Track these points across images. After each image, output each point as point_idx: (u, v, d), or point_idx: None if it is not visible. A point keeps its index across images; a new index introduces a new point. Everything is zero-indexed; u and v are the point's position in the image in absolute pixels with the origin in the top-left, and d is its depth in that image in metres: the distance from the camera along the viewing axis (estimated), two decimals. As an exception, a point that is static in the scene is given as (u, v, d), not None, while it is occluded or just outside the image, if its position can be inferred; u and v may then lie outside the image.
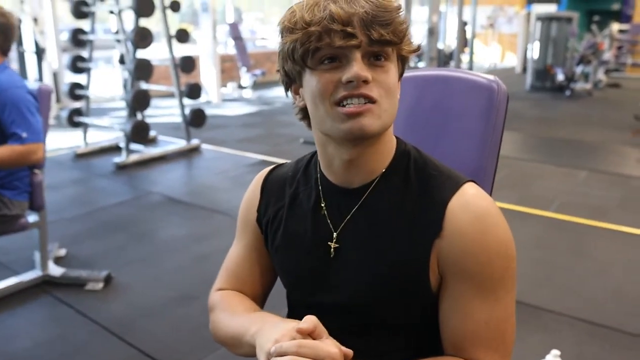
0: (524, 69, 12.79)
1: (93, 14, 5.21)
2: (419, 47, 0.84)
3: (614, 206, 4.03)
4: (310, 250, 0.89)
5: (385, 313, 0.85)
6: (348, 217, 0.86)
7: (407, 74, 0.99)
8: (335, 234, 0.87)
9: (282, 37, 0.81)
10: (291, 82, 0.85)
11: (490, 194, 1.11)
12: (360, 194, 0.86)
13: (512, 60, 15.14)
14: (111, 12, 5.49)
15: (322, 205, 0.89)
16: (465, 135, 1.12)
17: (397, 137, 0.90)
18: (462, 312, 0.80)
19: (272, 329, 0.77)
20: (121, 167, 4.83)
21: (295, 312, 0.96)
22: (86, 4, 5.18)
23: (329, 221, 0.88)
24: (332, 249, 0.87)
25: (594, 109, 8.56)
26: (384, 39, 0.75)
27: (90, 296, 2.64)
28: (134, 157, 4.96)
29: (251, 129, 6.68)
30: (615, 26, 12.44)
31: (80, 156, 5.26)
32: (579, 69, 9.79)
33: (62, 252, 3.07)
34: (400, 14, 0.78)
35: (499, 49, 15.71)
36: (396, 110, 0.81)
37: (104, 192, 4.35)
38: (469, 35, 9.56)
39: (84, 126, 5.36)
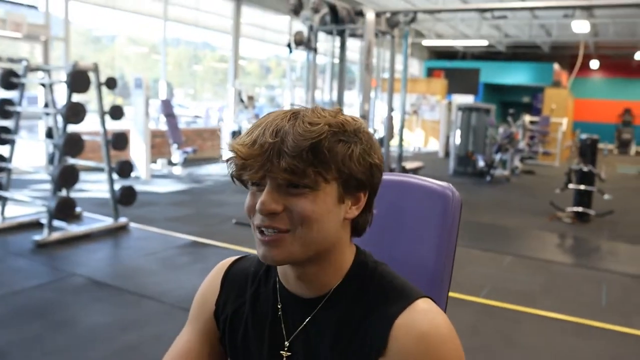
0: (447, 154, 13.48)
1: (22, 85, 5.06)
2: (367, 168, 0.82)
3: (539, 291, 4.19)
4: (266, 355, 0.89)
5: None
6: (300, 327, 0.86)
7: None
8: (287, 343, 0.87)
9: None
10: None
11: (446, 298, 1.14)
12: (312, 306, 0.85)
13: (434, 145, 15.94)
14: (42, 84, 5.35)
15: (279, 311, 0.89)
16: (422, 239, 1.15)
17: (358, 248, 0.90)
18: None
19: None
20: (41, 246, 4.54)
21: None
22: (16, 75, 5.03)
23: (283, 328, 0.88)
24: (284, 359, 0.87)
25: (513, 194, 9.07)
26: (284, 171, 0.75)
27: (2, 395, 2.39)
28: (56, 235, 4.69)
29: (181, 208, 6.54)
30: (527, 118, 13.47)
31: (-5, 233, 4.92)
32: (497, 157, 10.42)
33: (-29, 343, 2.80)
34: (321, 138, 0.76)
35: (423, 134, 16.54)
36: (327, 234, 0.80)
37: (20, 273, 4.04)
38: (396, 121, 10.02)
39: (3, 200, 5.06)
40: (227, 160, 0.80)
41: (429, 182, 1.19)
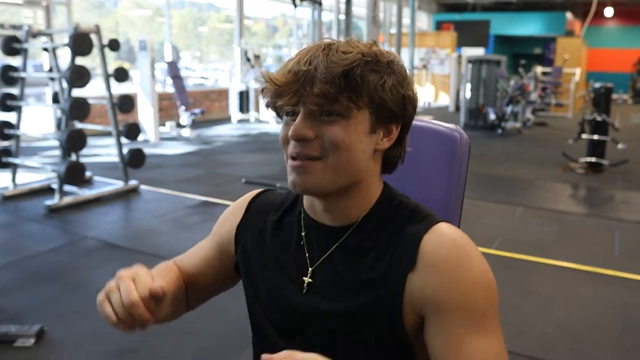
0: (457, 108, 13.31)
1: (25, 51, 5.01)
2: (392, 97, 0.81)
3: (551, 242, 4.17)
4: (284, 282, 0.89)
5: (355, 352, 0.82)
6: (326, 254, 0.86)
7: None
8: (310, 270, 0.87)
9: None
10: None
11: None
12: (339, 234, 0.86)
13: (445, 100, 15.74)
14: (45, 49, 5.30)
15: (303, 239, 0.89)
16: (430, 183, 1.12)
17: (385, 183, 0.90)
18: (455, 347, 0.75)
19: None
20: (53, 210, 4.58)
21: (261, 332, 0.94)
22: (18, 41, 4.98)
23: (306, 256, 0.88)
24: (305, 284, 0.87)
25: (525, 146, 8.97)
26: (316, 98, 0.76)
27: (21, 353, 2.43)
28: (67, 200, 4.72)
29: (191, 169, 6.54)
30: (539, 69, 13.21)
31: (8, 199, 4.96)
32: (508, 109, 10.27)
33: (-12, 305, 2.84)
34: (354, 65, 0.76)
35: (433, 89, 16.30)
36: (358, 164, 0.81)
37: (35, 237, 4.09)
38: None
39: (13, 167, 5.08)
40: (262, 90, 0.81)
41: (437, 124, 1.15)
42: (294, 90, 0.77)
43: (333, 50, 0.77)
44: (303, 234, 0.89)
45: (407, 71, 0.84)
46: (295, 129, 0.77)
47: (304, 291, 0.86)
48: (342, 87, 0.75)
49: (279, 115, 0.83)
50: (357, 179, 0.82)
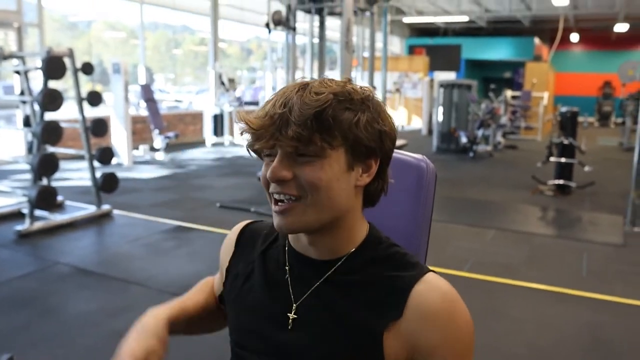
0: (430, 131, 13.52)
1: (-3, 75, 4.97)
2: (370, 136, 0.82)
3: (522, 263, 4.26)
4: (268, 317, 0.89)
5: None
6: (310, 290, 0.87)
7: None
8: (294, 305, 0.88)
9: None
10: None
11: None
12: (324, 268, 0.87)
13: (418, 123, 15.98)
14: (17, 72, 5.26)
15: (286, 272, 0.90)
16: (398, 212, 1.14)
17: (371, 224, 0.93)
18: None
19: (128, 340, 0.92)
20: (24, 236, 4.50)
21: None
22: (-11, 64, 4.94)
23: (290, 290, 0.89)
24: (290, 321, 0.87)
25: (496, 169, 9.15)
26: (291, 140, 0.77)
27: (-11, 385, 2.38)
28: (38, 225, 4.65)
29: (165, 193, 6.50)
30: (508, 93, 13.54)
31: (-24, 224, 4.87)
32: (480, 132, 10.48)
33: (-44, 334, 2.78)
34: (325, 106, 0.77)
35: (406, 112, 16.55)
36: (338, 200, 0.82)
37: (4, 263, 4.01)
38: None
39: (-18, 192, 5.00)
40: (241, 133, 0.83)
41: (403, 154, 1.18)
42: (270, 134, 0.79)
43: (307, 91, 0.79)
44: (287, 267, 0.90)
45: (384, 106, 0.86)
46: (272, 170, 0.80)
47: (289, 327, 0.87)
48: (314, 128, 0.77)
49: (259, 156, 0.85)
50: (340, 214, 0.84)
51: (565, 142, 6.93)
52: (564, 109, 7.09)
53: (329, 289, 0.86)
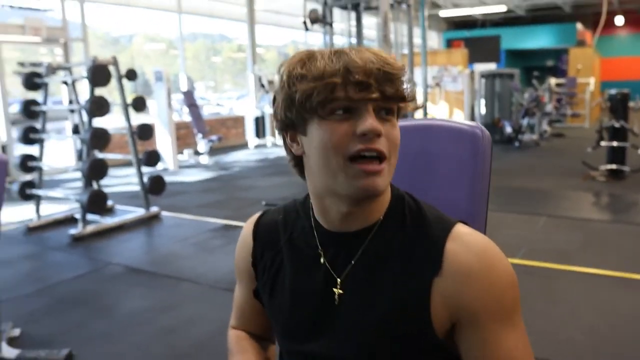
0: (472, 124, 13.26)
1: (46, 85, 5.13)
2: (419, 104, 0.86)
3: (576, 249, 4.11)
4: (312, 299, 0.87)
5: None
6: (352, 262, 0.85)
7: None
8: (339, 280, 0.86)
9: (289, 84, 0.79)
10: (289, 128, 0.84)
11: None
12: (360, 240, 0.85)
13: (459, 117, 15.71)
14: (64, 82, 5.43)
15: (320, 252, 0.88)
16: (454, 183, 1.09)
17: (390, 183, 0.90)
18: (493, 348, 0.79)
19: None
20: (77, 239, 4.63)
21: (290, 349, 0.93)
22: (39, 76, 5.11)
23: (329, 268, 0.87)
24: (336, 296, 0.85)
25: (543, 157, 8.90)
26: (398, 95, 0.77)
27: (51, 378, 2.45)
28: (90, 228, 4.78)
29: (211, 195, 6.59)
30: (553, 80, 13.15)
31: (32, 230, 5.03)
32: (524, 122, 10.22)
33: (16, 332, 2.86)
34: (405, 72, 0.80)
35: (447, 106, 16.30)
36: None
37: (60, 266, 4.13)
38: (419, 95, 9.91)
39: (37, 198, 5.17)
40: (306, 85, 0.76)
41: (457, 122, 1.14)
42: (373, 86, 0.75)
43: (368, 51, 0.78)
44: (320, 247, 0.88)
45: None
46: (373, 123, 0.75)
47: (336, 303, 0.85)
48: (405, 90, 0.79)
49: (312, 112, 0.77)
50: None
51: (617, 125, 6.67)
52: (613, 91, 6.83)
53: (367, 261, 0.84)
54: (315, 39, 12.37)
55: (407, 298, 0.80)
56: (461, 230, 0.82)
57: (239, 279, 1.02)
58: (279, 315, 0.92)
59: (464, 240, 0.80)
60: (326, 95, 0.75)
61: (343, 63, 0.75)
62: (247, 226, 1.00)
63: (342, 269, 0.86)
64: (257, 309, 1.01)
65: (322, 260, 0.87)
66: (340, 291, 0.85)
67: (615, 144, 6.69)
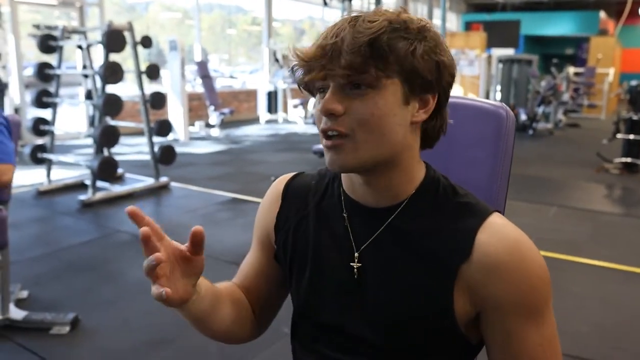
0: (487, 110, 13.12)
1: (60, 49, 5.11)
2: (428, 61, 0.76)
3: (586, 241, 4.07)
4: (333, 269, 0.86)
5: (407, 341, 0.80)
6: (372, 237, 0.83)
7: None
8: (356, 254, 0.84)
9: None
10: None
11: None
12: (385, 215, 0.83)
13: (474, 101, 15.54)
14: (79, 46, 5.40)
15: (346, 222, 0.86)
16: (476, 162, 1.08)
17: (426, 164, 0.87)
18: (516, 341, 0.77)
19: None
20: (87, 205, 4.65)
21: (301, 333, 0.92)
22: (54, 39, 5.08)
23: (351, 238, 0.85)
24: (355, 270, 0.84)
25: (557, 147, 8.80)
26: (347, 65, 0.72)
27: (56, 341, 2.46)
28: (100, 195, 4.79)
29: (220, 167, 6.58)
30: (571, 69, 12.95)
31: (43, 194, 5.05)
32: (540, 110, 10.09)
33: (24, 294, 2.89)
34: (380, 33, 0.73)
35: (462, 90, 16.13)
36: (393, 138, 0.77)
37: (69, 230, 4.16)
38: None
39: (48, 163, 5.18)
40: (292, 69, 0.79)
41: (481, 101, 1.12)
42: (322, 65, 0.74)
43: (360, 20, 0.74)
44: (345, 216, 0.86)
45: (441, 37, 0.79)
46: (324, 103, 0.75)
47: (355, 276, 0.84)
48: (368, 56, 0.72)
49: (312, 94, 0.81)
50: (395, 152, 0.79)
51: (635, 117, 6.56)
52: (634, 83, 6.70)
53: (391, 236, 0.82)
54: (331, 15, 12.22)
55: (429, 282, 0.78)
56: (495, 220, 0.79)
57: (254, 240, 0.99)
58: (298, 283, 0.91)
59: (497, 231, 0.77)
60: (299, 79, 0.79)
61: (302, 48, 0.77)
62: (277, 185, 0.97)
63: (362, 243, 0.84)
64: (259, 280, 0.98)
65: (346, 229, 0.86)
66: (359, 264, 0.83)
67: (632, 137, 6.58)
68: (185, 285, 0.79)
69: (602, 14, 17.54)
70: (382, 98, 0.74)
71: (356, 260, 0.84)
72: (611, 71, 13.65)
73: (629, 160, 6.59)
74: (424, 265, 0.79)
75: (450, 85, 0.81)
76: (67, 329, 2.53)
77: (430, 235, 0.80)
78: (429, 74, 0.76)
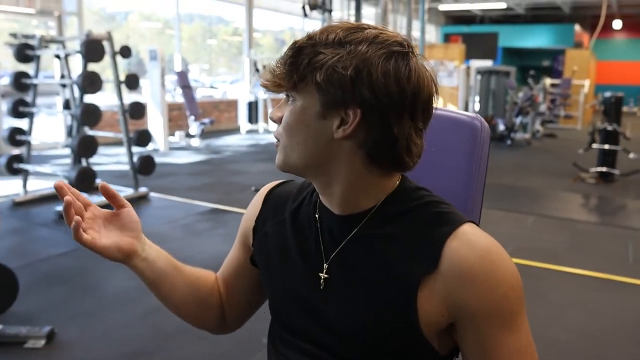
0: (466, 120, 13.28)
1: (38, 58, 5.05)
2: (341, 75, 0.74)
3: (564, 249, 4.13)
4: (301, 277, 0.86)
5: (371, 353, 0.80)
6: (340, 246, 0.83)
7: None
8: (325, 265, 0.84)
9: None
10: None
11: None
12: (354, 223, 0.82)
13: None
14: (57, 56, 5.35)
15: (318, 229, 0.87)
16: (450, 173, 1.09)
17: (403, 176, 0.86)
18: (492, 350, 0.77)
19: None
20: (64, 216, 4.58)
21: (275, 336, 0.93)
22: (31, 48, 5.02)
23: (322, 248, 0.85)
24: (322, 280, 0.84)
25: (535, 157, 8.94)
26: (273, 77, 0.79)
27: (31, 355, 2.42)
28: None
29: (201, 177, 6.55)
30: (548, 81, 13.18)
31: (18, 204, 4.97)
32: (518, 120, 10.24)
33: (-1, 307, 2.83)
34: (302, 45, 0.77)
35: (441, 101, 16.27)
36: (311, 148, 0.79)
37: (45, 242, 4.09)
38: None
39: (24, 173, 5.10)
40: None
41: (456, 112, 1.13)
42: (264, 79, 0.83)
43: (305, 35, 0.80)
44: (319, 225, 0.87)
45: (382, 54, 0.74)
46: (271, 112, 0.85)
47: (321, 287, 0.84)
48: (289, 68, 0.77)
49: None
50: (320, 163, 0.80)
51: (609, 128, 6.70)
52: (607, 94, 6.85)
53: (357, 245, 0.82)
54: (313, 26, 12.28)
55: (392, 293, 0.77)
56: (466, 229, 0.78)
57: (238, 237, 1.03)
58: (270, 287, 0.93)
59: (467, 240, 0.76)
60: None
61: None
62: (263, 190, 1.01)
63: (331, 252, 0.84)
64: (241, 272, 1.02)
65: (317, 239, 0.86)
66: (326, 275, 0.84)
67: (606, 147, 6.72)
68: (123, 237, 0.90)
69: (577, 27, 17.90)
70: (300, 108, 0.78)
71: (324, 271, 0.84)
72: (586, 83, 13.92)
73: (604, 169, 6.72)
74: (387, 274, 0.78)
75: (383, 104, 0.74)
76: (42, 342, 2.49)
77: (396, 242, 0.79)
78: (336, 89, 0.74)
